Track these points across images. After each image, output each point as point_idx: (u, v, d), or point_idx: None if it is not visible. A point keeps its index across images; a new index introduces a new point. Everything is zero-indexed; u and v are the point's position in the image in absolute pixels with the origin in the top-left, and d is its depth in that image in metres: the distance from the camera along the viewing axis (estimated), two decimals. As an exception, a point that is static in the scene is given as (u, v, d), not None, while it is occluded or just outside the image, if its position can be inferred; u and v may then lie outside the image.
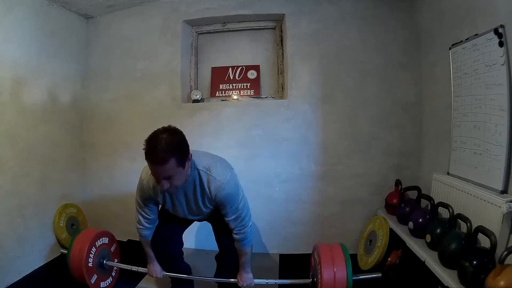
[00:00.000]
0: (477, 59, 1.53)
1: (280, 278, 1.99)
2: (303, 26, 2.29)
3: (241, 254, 1.50)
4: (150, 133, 1.19)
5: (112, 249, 1.93)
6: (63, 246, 2.25)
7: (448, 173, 1.79)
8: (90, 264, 1.73)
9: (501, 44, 1.36)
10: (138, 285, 1.93)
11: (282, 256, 2.31)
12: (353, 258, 2.12)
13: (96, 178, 2.60)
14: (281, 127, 2.32)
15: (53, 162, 2.25)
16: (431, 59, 2.07)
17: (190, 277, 1.68)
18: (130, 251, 2.18)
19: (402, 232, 1.83)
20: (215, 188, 1.35)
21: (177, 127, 1.25)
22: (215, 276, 1.64)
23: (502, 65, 1.36)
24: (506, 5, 1.35)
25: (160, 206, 1.57)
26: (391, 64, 2.25)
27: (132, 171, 2.39)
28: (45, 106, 2.18)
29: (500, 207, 1.28)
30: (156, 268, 1.63)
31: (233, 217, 1.42)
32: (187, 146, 1.25)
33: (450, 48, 1.76)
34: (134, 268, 1.75)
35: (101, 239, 1.84)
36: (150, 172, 1.29)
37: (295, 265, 2.17)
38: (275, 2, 2.32)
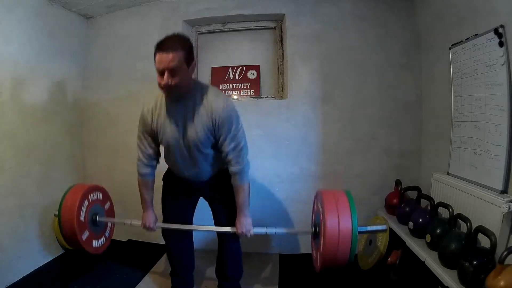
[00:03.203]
0: (477, 59, 1.53)
1: (280, 278, 1.99)
2: (303, 26, 2.29)
3: (239, 191, 1.45)
4: None
5: (106, 207, 1.82)
6: (63, 246, 2.25)
7: (448, 173, 1.79)
8: (81, 218, 1.59)
9: (501, 44, 1.36)
10: (138, 284, 1.92)
11: (282, 256, 2.31)
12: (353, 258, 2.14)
13: (96, 178, 2.59)
14: (281, 127, 2.32)
15: (53, 162, 2.25)
16: (431, 59, 2.07)
17: (185, 227, 1.59)
18: (131, 251, 2.18)
19: (402, 232, 1.83)
20: (217, 106, 1.34)
21: None
22: (216, 271, 1.68)
23: (502, 65, 1.36)
24: (506, 5, 1.35)
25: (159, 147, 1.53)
26: (391, 64, 2.25)
27: (132, 171, 2.37)
28: (45, 106, 2.18)
29: (500, 207, 1.28)
30: (150, 218, 1.57)
31: (232, 145, 1.38)
32: (193, 52, 1.33)
33: (450, 48, 1.76)
34: (128, 221, 1.66)
35: (94, 193, 1.71)
36: (148, 104, 1.42)
37: (295, 265, 2.17)
38: (275, 2, 2.32)
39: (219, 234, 1.63)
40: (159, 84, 1.28)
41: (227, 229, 1.51)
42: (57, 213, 1.59)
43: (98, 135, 2.57)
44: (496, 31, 1.38)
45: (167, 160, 1.55)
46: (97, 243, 1.72)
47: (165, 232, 1.67)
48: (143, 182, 1.54)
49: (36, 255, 2.08)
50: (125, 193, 2.47)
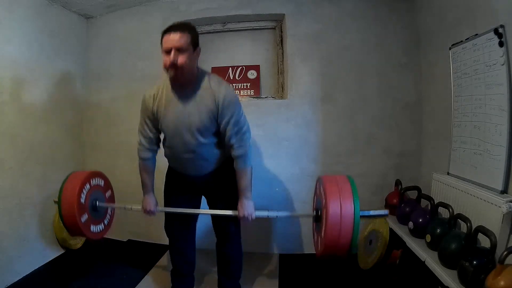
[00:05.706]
0: (477, 59, 1.53)
1: (280, 279, 1.99)
2: (303, 26, 2.29)
3: (241, 175, 1.45)
4: None
5: (107, 195, 1.82)
6: (63, 246, 2.25)
7: (448, 173, 1.79)
8: (82, 201, 1.59)
9: (501, 44, 1.36)
10: (138, 284, 1.92)
11: (282, 256, 2.31)
12: (353, 258, 2.14)
13: (96, 178, 2.59)
14: (281, 127, 2.32)
15: (53, 162, 2.25)
16: (431, 59, 2.07)
17: (186, 211, 1.58)
18: (130, 251, 2.18)
19: (402, 232, 1.82)
20: (221, 90, 1.37)
21: None
22: (218, 270, 1.67)
23: (502, 65, 1.36)
24: (506, 5, 1.35)
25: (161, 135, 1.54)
26: (391, 64, 2.25)
27: (132, 171, 2.39)
28: (45, 106, 2.18)
29: (500, 207, 1.28)
30: (151, 201, 1.57)
31: (235, 129, 1.39)
32: (198, 38, 1.38)
33: (450, 48, 1.76)
34: (128, 206, 1.67)
35: (96, 179, 1.72)
36: (150, 90, 1.48)
37: (295, 265, 2.17)
38: (275, 2, 2.32)
39: (219, 233, 1.64)
40: (165, 65, 1.31)
41: (229, 212, 1.50)
42: (57, 199, 1.59)
43: (98, 135, 2.57)
44: (496, 31, 1.38)
45: (168, 152, 1.54)
46: (95, 229, 1.70)
47: (168, 227, 1.67)
48: (144, 166, 1.55)
49: (36, 255, 2.08)
50: (126, 192, 2.47)
